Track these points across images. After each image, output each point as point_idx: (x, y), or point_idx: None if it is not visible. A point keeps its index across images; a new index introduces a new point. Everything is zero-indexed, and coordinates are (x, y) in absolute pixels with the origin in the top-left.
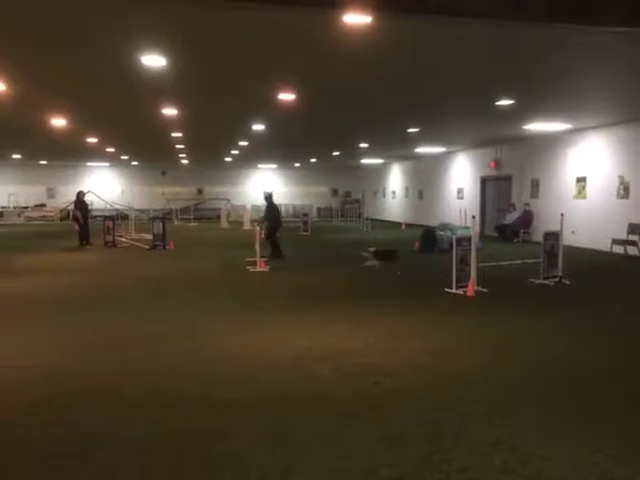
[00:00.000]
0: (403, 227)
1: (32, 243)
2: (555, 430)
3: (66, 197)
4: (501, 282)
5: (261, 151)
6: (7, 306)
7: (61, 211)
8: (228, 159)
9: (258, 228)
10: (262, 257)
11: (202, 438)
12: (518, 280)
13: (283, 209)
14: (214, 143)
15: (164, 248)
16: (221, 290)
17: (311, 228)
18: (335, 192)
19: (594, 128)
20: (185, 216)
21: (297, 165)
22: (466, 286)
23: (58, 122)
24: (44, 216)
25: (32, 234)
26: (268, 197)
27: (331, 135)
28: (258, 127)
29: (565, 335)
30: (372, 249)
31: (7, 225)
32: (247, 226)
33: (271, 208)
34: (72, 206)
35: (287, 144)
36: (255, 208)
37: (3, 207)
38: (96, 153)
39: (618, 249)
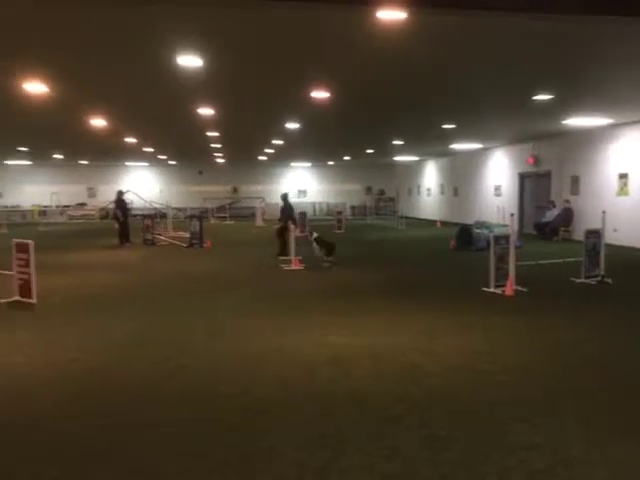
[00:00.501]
0: (438, 225)
1: (74, 241)
2: (597, 433)
3: (106, 196)
4: (541, 281)
5: (295, 149)
6: (48, 303)
7: (101, 210)
8: (263, 158)
9: (293, 227)
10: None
11: (240, 436)
12: (558, 279)
13: (317, 207)
14: (249, 142)
15: (201, 246)
16: (256, 288)
17: (345, 226)
18: (369, 190)
19: (637, 123)
20: (221, 214)
21: (331, 163)
22: (504, 285)
23: (98, 123)
24: (85, 215)
25: (74, 232)
26: (284, 197)
27: (365, 132)
28: (292, 126)
29: (608, 336)
30: (315, 234)
31: (50, 224)
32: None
33: (285, 208)
34: (112, 205)
35: (321, 142)
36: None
37: (46, 206)
38: (135, 153)
39: None
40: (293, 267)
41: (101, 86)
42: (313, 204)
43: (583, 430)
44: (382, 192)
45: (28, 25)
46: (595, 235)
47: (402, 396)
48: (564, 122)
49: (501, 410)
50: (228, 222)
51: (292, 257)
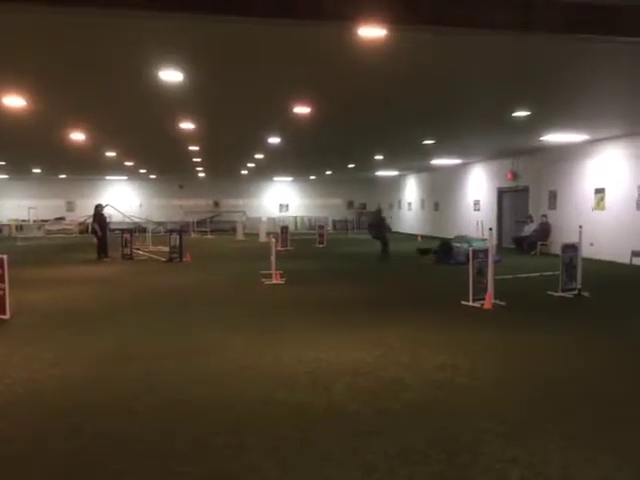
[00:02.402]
0: (419, 239)
1: (51, 256)
2: (574, 449)
3: (85, 210)
4: (519, 295)
5: (277, 164)
6: (22, 319)
7: (80, 224)
8: (244, 172)
9: (274, 240)
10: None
11: (217, 453)
12: (536, 293)
13: (299, 221)
14: (230, 156)
15: (181, 261)
16: (236, 303)
17: (327, 241)
18: (350, 204)
19: (612, 138)
20: (202, 229)
21: (312, 178)
22: (483, 299)
23: (77, 137)
24: (63, 229)
25: (51, 247)
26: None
27: (346, 147)
28: (274, 140)
29: (584, 350)
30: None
31: (27, 238)
32: (263, 238)
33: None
34: (91, 219)
35: (303, 157)
36: (270, 220)
37: (23, 221)
38: (115, 167)
39: (638, 261)
40: (274, 281)
41: (80, 100)
42: (295, 218)
43: (561, 445)
44: (364, 207)
45: (6, 37)
46: (572, 249)
47: (381, 410)
48: (542, 138)
49: (479, 424)
50: (209, 236)
51: (273, 271)
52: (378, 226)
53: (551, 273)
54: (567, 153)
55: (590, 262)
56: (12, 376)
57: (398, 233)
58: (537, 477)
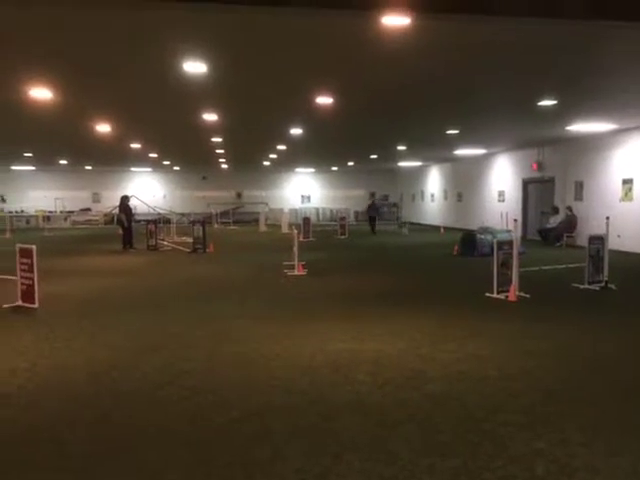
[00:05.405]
0: (442, 230)
1: (77, 247)
2: (599, 440)
3: (111, 201)
4: (544, 287)
5: (299, 155)
6: (51, 308)
7: (105, 215)
8: (266, 163)
9: (296, 232)
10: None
11: (242, 441)
12: (561, 285)
13: (321, 213)
14: (253, 148)
15: (204, 251)
16: (259, 294)
17: (348, 232)
18: (372, 195)
19: None
20: (225, 220)
21: (334, 169)
22: (507, 291)
23: (103, 129)
24: (89, 220)
25: (78, 238)
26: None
27: (369, 138)
28: (296, 131)
29: (610, 342)
30: None
31: (54, 229)
32: (285, 230)
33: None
34: (117, 210)
35: (325, 148)
36: (292, 212)
37: (50, 212)
38: (139, 159)
39: None
40: (297, 273)
41: (106, 92)
42: (317, 210)
43: (586, 437)
44: (386, 198)
45: (35, 32)
46: (599, 241)
47: (403, 402)
48: (568, 128)
49: (503, 416)
50: (232, 227)
51: (295, 262)
52: (377, 210)
53: (577, 265)
54: (594, 143)
55: (617, 254)
56: (40, 364)
57: (421, 225)
58: (563, 469)
